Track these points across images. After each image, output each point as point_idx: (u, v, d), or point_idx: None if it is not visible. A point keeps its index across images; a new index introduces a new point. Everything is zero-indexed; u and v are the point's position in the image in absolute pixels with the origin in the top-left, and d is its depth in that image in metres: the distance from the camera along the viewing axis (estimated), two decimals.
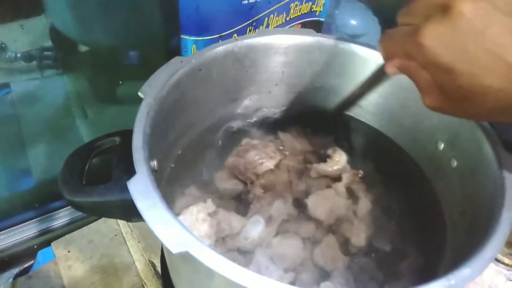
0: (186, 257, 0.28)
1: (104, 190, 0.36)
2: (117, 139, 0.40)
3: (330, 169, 0.48)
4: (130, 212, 0.32)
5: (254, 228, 0.42)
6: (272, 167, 0.49)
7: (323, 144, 0.52)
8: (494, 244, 0.30)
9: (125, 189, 0.31)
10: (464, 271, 0.29)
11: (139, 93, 0.39)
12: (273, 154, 0.49)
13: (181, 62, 0.43)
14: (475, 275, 0.29)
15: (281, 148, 0.51)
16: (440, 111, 0.33)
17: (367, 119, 0.53)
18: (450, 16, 0.28)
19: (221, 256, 0.27)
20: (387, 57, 0.35)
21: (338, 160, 0.49)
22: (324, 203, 0.45)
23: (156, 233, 0.29)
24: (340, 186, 0.47)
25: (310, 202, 0.45)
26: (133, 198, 0.30)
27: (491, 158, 0.38)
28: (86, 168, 0.38)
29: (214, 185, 0.47)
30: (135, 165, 0.33)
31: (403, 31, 0.32)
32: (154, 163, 0.39)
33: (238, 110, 0.53)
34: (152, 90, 0.39)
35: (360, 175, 0.49)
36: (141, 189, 0.31)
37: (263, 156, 0.49)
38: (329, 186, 0.47)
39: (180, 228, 0.29)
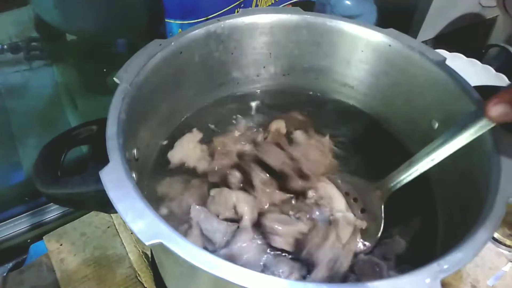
0: (163, 248, 0.27)
1: (79, 181, 0.34)
2: (94, 127, 0.39)
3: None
4: (106, 203, 0.31)
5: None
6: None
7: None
8: (488, 227, 0.29)
9: (100, 179, 0.30)
10: (456, 256, 0.27)
11: (114, 79, 0.37)
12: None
13: (160, 45, 0.41)
14: (468, 259, 0.27)
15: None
16: None
17: (359, 100, 0.51)
18: None
19: (195, 247, 0.26)
20: None
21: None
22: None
23: (128, 224, 0.27)
24: None
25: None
26: (105, 188, 0.29)
27: (486, 137, 0.36)
28: (62, 159, 0.37)
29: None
30: (108, 153, 0.31)
31: None
32: (134, 151, 0.38)
33: (225, 94, 0.51)
34: (128, 75, 0.37)
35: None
36: (114, 178, 0.30)
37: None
38: None
39: (154, 219, 0.28)
